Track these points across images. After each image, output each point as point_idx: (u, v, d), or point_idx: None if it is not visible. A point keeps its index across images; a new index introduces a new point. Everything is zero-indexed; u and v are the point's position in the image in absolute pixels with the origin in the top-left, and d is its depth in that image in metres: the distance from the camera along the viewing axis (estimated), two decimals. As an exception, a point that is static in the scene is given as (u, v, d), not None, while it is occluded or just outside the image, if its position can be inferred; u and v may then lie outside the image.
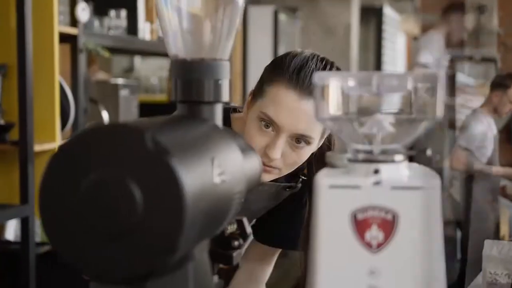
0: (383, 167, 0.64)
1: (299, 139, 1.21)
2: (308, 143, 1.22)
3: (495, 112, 4.30)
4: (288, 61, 1.21)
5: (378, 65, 7.14)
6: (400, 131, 0.66)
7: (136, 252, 0.57)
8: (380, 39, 7.08)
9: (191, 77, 0.73)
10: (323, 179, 0.65)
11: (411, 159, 0.66)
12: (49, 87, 2.37)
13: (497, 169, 4.47)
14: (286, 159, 1.22)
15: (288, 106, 1.18)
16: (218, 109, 0.75)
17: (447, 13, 4.33)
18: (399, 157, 0.66)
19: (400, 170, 0.65)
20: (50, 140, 2.41)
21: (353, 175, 0.65)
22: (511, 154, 9.04)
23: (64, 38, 2.53)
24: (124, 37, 2.93)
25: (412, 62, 4.27)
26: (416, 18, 9.22)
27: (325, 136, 1.28)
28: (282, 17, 4.83)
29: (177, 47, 0.75)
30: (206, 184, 0.61)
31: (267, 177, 1.25)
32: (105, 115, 2.83)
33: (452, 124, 4.26)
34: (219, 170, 0.65)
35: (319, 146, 1.29)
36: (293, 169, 1.27)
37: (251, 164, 0.79)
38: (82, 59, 2.59)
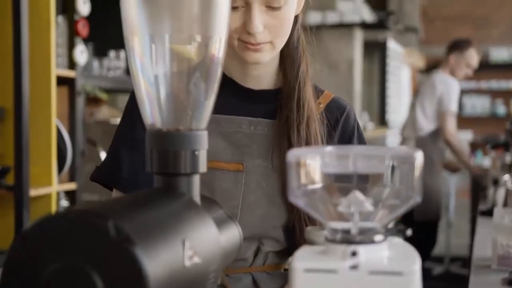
0: (361, 249, 0.62)
1: (274, 3, 1.10)
2: (285, 1, 1.11)
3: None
4: None
5: (382, 99, 7.14)
6: (379, 211, 0.64)
7: None
8: (384, 73, 7.09)
9: (167, 148, 0.71)
10: (299, 262, 0.62)
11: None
12: (46, 131, 2.36)
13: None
14: (270, 28, 1.12)
15: None
16: (196, 181, 0.72)
17: (448, 53, 4.34)
18: (378, 238, 0.63)
19: (379, 252, 0.63)
20: (46, 184, 2.39)
21: (330, 257, 0.62)
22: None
23: (62, 80, 2.53)
24: (123, 78, 2.93)
25: (439, 110, 4.17)
26: (420, 50, 9.27)
27: None
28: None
29: (154, 116, 0.73)
30: (176, 269, 0.59)
31: (262, 56, 1.14)
32: (104, 156, 2.81)
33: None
34: (191, 252, 0.62)
35: (301, 5, 1.20)
36: (286, 38, 1.16)
37: (228, 236, 0.76)
38: (80, 101, 2.58)
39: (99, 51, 2.87)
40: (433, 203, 4.09)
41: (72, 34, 2.55)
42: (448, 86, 4.21)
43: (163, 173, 0.71)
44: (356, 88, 5.68)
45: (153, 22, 0.71)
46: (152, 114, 0.73)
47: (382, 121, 7.01)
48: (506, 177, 2.86)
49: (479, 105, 9.72)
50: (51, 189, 2.40)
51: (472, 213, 4.50)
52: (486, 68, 9.47)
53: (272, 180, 1.18)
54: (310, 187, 0.64)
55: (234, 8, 1.10)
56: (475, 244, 2.11)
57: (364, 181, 0.64)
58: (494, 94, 9.67)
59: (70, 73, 2.55)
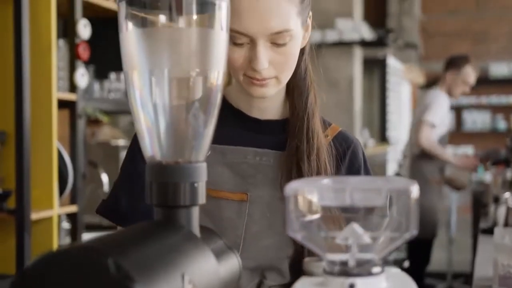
0: (359, 281, 0.62)
1: (279, 40, 1.10)
2: (290, 37, 1.11)
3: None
4: None
5: (382, 115, 7.15)
6: (377, 242, 0.64)
7: None
8: (384, 89, 7.12)
9: (167, 180, 0.72)
10: (297, 294, 0.63)
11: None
12: (47, 154, 2.37)
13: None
14: (275, 64, 1.12)
15: (249, 10, 1.07)
16: (195, 213, 0.73)
17: (445, 71, 4.35)
18: (376, 269, 0.64)
19: (377, 284, 0.63)
20: (47, 207, 2.40)
21: (328, 289, 0.63)
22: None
23: (63, 103, 2.55)
24: (124, 100, 2.94)
25: (418, 118, 4.19)
26: (420, 66, 9.30)
27: (307, 20, 1.18)
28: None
29: (153, 149, 0.74)
30: (175, 304, 0.59)
31: (267, 91, 1.14)
32: (105, 178, 2.82)
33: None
34: (190, 286, 0.63)
35: (307, 38, 1.20)
36: (291, 72, 1.16)
37: (227, 266, 0.77)
38: (81, 124, 2.59)
39: (100, 74, 2.88)
40: (428, 221, 4.07)
41: (73, 58, 2.56)
42: (435, 99, 4.21)
43: (163, 205, 0.72)
44: (356, 105, 5.70)
45: (152, 57, 0.73)
46: (152, 146, 0.74)
47: (382, 137, 7.02)
48: (507, 194, 2.86)
49: (479, 120, 9.74)
50: (52, 212, 2.41)
51: (474, 229, 4.49)
52: (486, 83, 9.51)
53: (278, 211, 1.17)
54: (308, 219, 0.65)
55: (239, 45, 1.10)
56: (476, 264, 2.11)
57: (361, 213, 0.65)
58: (495, 109, 9.69)
59: (71, 96, 2.56)
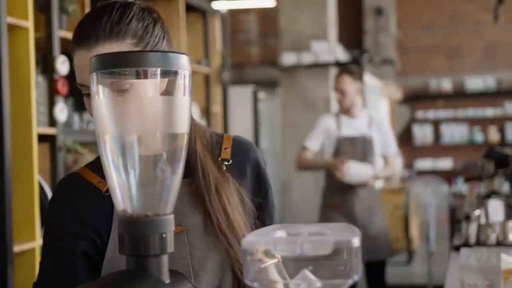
0: (309, 323, 0.70)
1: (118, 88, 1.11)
2: (130, 85, 1.06)
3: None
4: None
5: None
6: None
7: None
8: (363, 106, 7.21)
9: (137, 233, 0.79)
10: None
11: None
12: (29, 188, 2.42)
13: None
14: None
15: (83, 65, 1.14)
16: (164, 260, 0.81)
17: None
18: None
19: (325, 325, 0.71)
20: (30, 239, 2.45)
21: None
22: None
23: (44, 137, 2.61)
24: (103, 130, 2.99)
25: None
26: (397, 82, 9.44)
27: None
28: (262, 95, 4.95)
29: (124, 203, 0.81)
30: None
31: None
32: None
33: None
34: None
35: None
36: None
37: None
38: (61, 157, 2.65)
39: (79, 106, 2.94)
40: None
41: (52, 93, 2.63)
42: (315, 124, 4.14)
43: (134, 255, 0.79)
44: (334, 125, 5.79)
45: (122, 122, 0.80)
46: (123, 201, 0.81)
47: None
48: (477, 212, 2.93)
49: (457, 133, 9.90)
50: (34, 244, 2.46)
51: (451, 243, 4.57)
52: (462, 97, 9.71)
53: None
54: (263, 268, 0.73)
55: (87, 95, 1.17)
56: (446, 283, 2.19)
57: (312, 261, 0.73)
58: (472, 122, 9.87)
59: (51, 130, 2.63)
